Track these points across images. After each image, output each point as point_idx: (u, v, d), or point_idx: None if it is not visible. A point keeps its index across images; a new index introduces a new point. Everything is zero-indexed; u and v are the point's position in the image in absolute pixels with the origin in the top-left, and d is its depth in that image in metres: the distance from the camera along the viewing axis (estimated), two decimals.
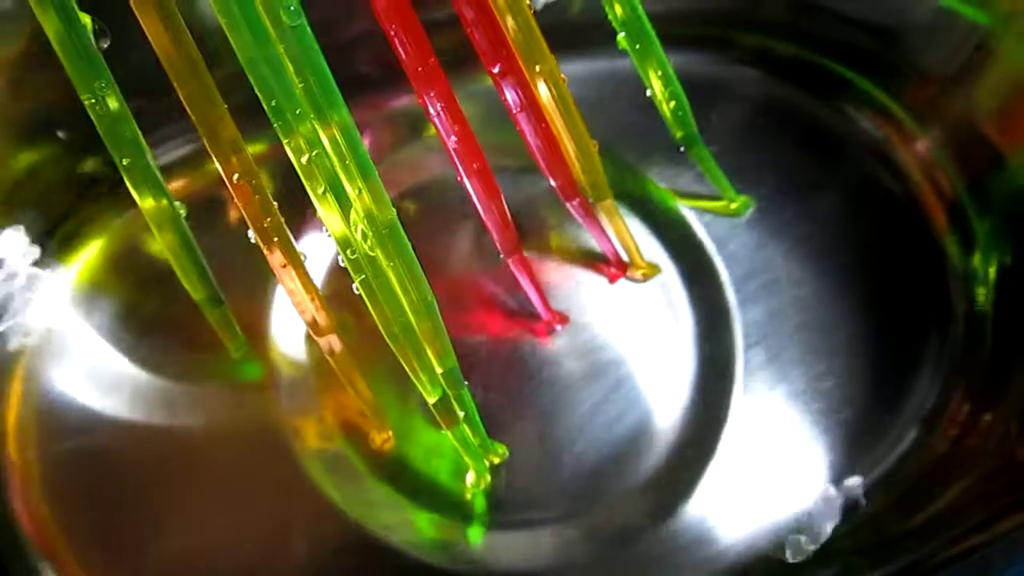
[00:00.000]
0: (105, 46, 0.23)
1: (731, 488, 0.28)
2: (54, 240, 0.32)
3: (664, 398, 0.30)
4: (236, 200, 0.23)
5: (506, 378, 0.30)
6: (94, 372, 0.30)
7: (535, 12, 0.35)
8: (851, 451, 0.28)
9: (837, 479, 0.28)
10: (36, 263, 0.32)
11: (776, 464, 0.28)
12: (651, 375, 0.30)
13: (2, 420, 0.29)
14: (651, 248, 0.33)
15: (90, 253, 0.33)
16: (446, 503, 0.28)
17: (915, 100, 0.35)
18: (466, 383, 0.25)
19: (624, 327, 0.31)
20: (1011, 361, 0.29)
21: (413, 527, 0.28)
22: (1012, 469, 0.27)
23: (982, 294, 0.31)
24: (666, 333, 0.31)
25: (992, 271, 0.32)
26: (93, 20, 0.23)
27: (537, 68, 0.25)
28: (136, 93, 0.28)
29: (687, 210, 0.33)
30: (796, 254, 0.32)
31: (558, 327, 0.30)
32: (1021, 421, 0.28)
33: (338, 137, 0.21)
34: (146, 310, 0.31)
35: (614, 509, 0.28)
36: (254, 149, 0.31)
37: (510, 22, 0.25)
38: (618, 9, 0.26)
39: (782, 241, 0.32)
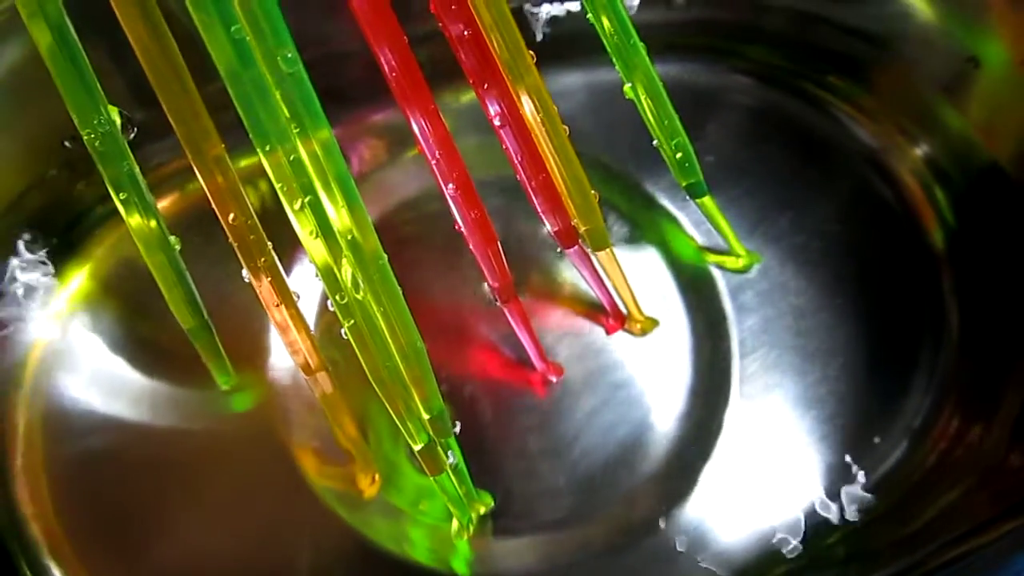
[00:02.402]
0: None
1: (725, 494, 0.28)
2: (59, 251, 0.32)
3: (661, 405, 0.30)
4: (231, 239, 0.23)
5: (503, 384, 0.30)
6: (99, 379, 0.30)
7: (538, 25, 0.35)
8: (844, 458, 0.29)
9: (830, 486, 0.28)
10: (41, 274, 0.32)
11: (771, 471, 0.29)
12: (648, 382, 0.30)
13: (11, 426, 0.30)
14: (647, 257, 0.33)
15: (94, 263, 0.33)
16: (443, 513, 0.28)
17: (909, 109, 0.35)
18: (455, 431, 0.25)
19: (621, 334, 0.31)
20: (1004, 372, 0.30)
21: (412, 533, 0.28)
22: (1000, 480, 0.27)
23: (975, 304, 0.31)
24: (663, 341, 0.31)
25: (985, 282, 0.32)
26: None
27: (539, 116, 0.25)
28: (142, 103, 0.28)
29: (684, 219, 0.33)
30: (792, 263, 0.32)
31: (553, 378, 0.30)
32: (1012, 432, 0.28)
33: (328, 175, 0.21)
34: (149, 319, 0.32)
35: (611, 514, 0.28)
36: (249, 160, 0.31)
37: (498, 47, 0.24)
38: (608, 28, 0.26)
39: (778, 250, 0.33)
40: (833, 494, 0.28)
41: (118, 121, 0.23)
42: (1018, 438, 0.28)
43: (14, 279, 0.31)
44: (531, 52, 0.25)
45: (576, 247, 0.27)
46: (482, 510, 0.28)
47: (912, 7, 0.33)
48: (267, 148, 0.21)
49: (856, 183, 0.34)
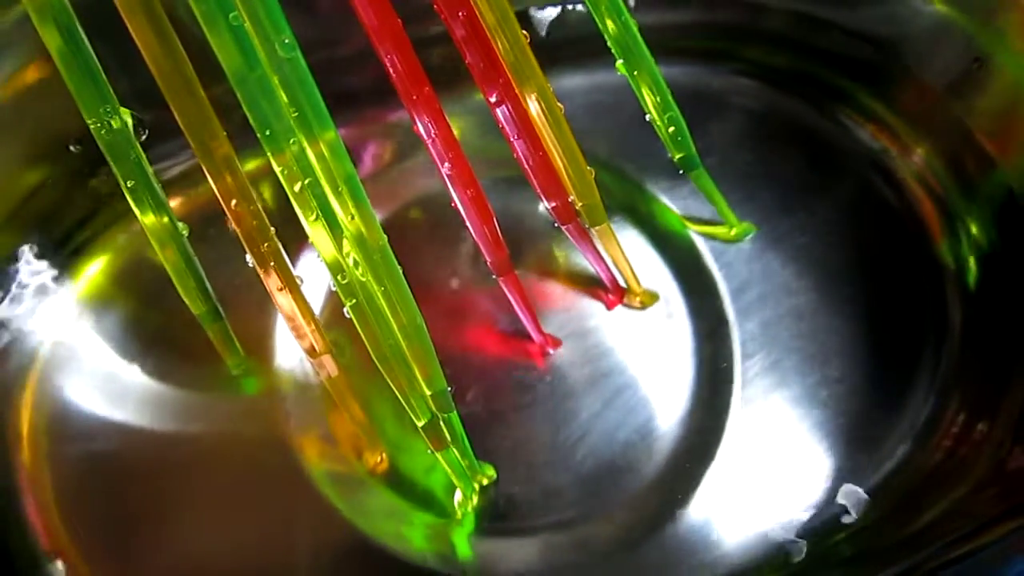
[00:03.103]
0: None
1: (729, 496, 0.28)
2: (64, 253, 0.33)
3: (663, 407, 0.30)
4: (234, 225, 0.24)
5: (507, 386, 0.30)
6: (103, 381, 0.31)
7: (542, 35, 0.35)
8: (847, 460, 0.29)
9: (833, 487, 0.28)
10: (46, 275, 0.33)
11: (773, 473, 0.29)
12: (650, 384, 0.30)
13: (15, 427, 0.30)
14: (649, 258, 0.33)
15: (99, 266, 0.33)
16: (445, 510, 0.28)
17: (913, 111, 0.35)
18: (455, 407, 0.25)
19: (623, 337, 0.31)
20: (1006, 372, 0.29)
21: (413, 533, 0.28)
22: (1004, 478, 0.27)
23: (977, 304, 0.31)
24: (665, 342, 0.31)
25: (988, 282, 0.32)
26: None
27: (532, 95, 0.25)
28: (144, 107, 0.29)
29: (688, 220, 0.34)
30: (794, 264, 0.32)
31: (551, 350, 0.31)
32: (1014, 432, 0.28)
33: (331, 164, 0.22)
34: (153, 321, 0.32)
35: (613, 516, 0.28)
36: (256, 163, 0.32)
37: (501, 44, 0.25)
38: (611, 26, 0.27)
39: (780, 251, 0.33)
40: (836, 495, 0.28)
41: (130, 123, 0.24)
42: (1021, 438, 0.28)
43: (21, 281, 0.32)
44: (526, 32, 0.25)
45: (573, 223, 0.28)
46: (484, 481, 0.28)
47: (915, 9, 0.33)
48: (267, 133, 0.22)
49: (859, 185, 0.35)
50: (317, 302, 0.32)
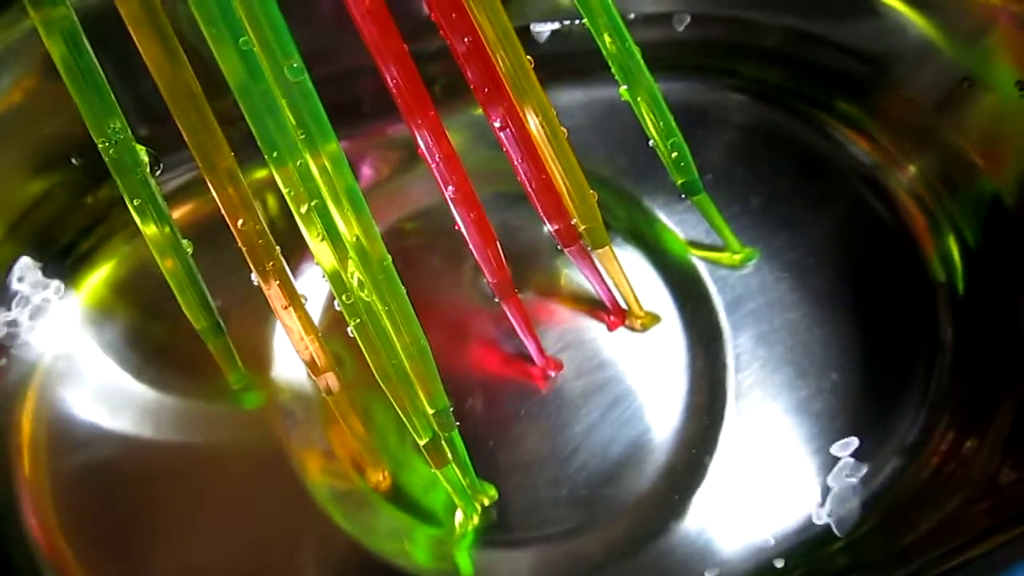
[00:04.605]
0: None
1: (722, 508, 0.29)
2: (65, 264, 0.33)
3: (658, 419, 0.30)
4: (240, 243, 0.24)
5: (504, 399, 0.30)
6: (103, 392, 0.31)
7: (540, 43, 0.36)
8: (839, 473, 0.29)
9: (825, 500, 0.29)
10: (47, 287, 0.33)
11: (765, 485, 0.29)
12: (645, 397, 0.31)
13: (16, 437, 0.30)
14: (643, 271, 0.33)
15: (100, 277, 0.33)
16: (444, 522, 0.29)
17: (904, 127, 0.35)
18: (457, 424, 0.26)
19: (618, 350, 0.32)
20: (996, 389, 0.30)
21: (412, 544, 0.28)
22: (993, 494, 0.27)
23: (968, 321, 0.32)
24: (660, 355, 0.31)
25: (979, 298, 0.32)
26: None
27: (536, 118, 0.26)
28: (147, 119, 0.29)
29: (682, 234, 0.34)
30: (787, 279, 0.33)
31: (552, 372, 0.31)
32: (1004, 449, 0.28)
33: (333, 177, 0.22)
34: (154, 332, 0.32)
35: (608, 528, 0.28)
36: (260, 174, 0.32)
37: (504, 66, 0.25)
38: (613, 50, 0.27)
39: (774, 266, 0.33)
40: (828, 507, 0.28)
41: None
42: (1010, 453, 0.28)
43: (22, 293, 0.32)
44: (530, 57, 0.26)
45: (576, 245, 0.28)
46: (486, 501, 0.28)
47: (905, 26, 0.33)
48: (274, 154, 0.22)
49: (852, 200, 0.35)
50: (316, 314, 0.32)
